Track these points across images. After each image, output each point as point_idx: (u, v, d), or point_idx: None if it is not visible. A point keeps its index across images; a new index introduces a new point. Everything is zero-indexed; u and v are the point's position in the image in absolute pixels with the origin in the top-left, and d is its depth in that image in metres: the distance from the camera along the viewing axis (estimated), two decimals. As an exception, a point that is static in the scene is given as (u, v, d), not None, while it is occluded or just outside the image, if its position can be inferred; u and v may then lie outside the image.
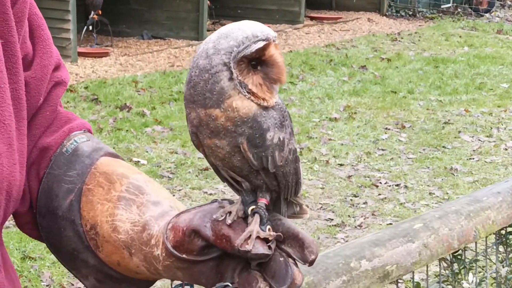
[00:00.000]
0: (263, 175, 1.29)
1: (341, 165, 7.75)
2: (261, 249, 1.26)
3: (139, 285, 1.49)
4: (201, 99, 1.26)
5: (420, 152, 8.22)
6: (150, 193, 1.44)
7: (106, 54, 12.72)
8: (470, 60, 12.79)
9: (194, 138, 1.31)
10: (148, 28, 14.65)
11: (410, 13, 18.63)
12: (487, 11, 19.13)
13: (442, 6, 19.15)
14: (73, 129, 1.50)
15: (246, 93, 1.25)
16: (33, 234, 1.52)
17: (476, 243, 2.08)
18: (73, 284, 5.05)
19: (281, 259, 1.28)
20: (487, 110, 9.92)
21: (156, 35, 14.56)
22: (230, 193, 6.82)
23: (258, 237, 1.26)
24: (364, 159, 7.94)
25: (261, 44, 1.25)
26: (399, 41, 14.74)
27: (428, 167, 7.73)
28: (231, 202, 1.35)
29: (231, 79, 1.25)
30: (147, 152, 7.75)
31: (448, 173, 7.54)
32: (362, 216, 6.41)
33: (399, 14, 18.59)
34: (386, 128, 9.05)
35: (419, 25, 16.95)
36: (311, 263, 1.29)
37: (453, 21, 17.61)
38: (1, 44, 1.38)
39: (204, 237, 1.31)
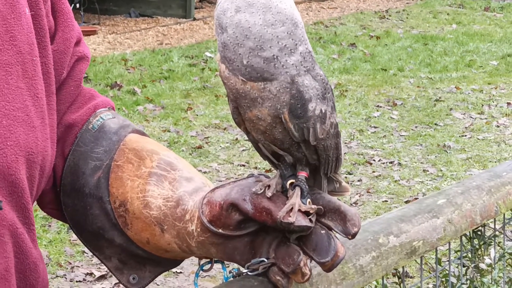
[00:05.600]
0: (304, 148, 1.27)
1: (334, 142, 7.72)
2: (303, 221, 1.25)
3: (165, 265, 1.47)
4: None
5: (412, 129, 8.21)
6: (182, 169, 1.42)
7: (94, 33, 12.63)
8: (459, 38, 12.78)
9: (235, 116, 1.28)
10: (135, 6, 14.54)
11: (397, -10, 18.58)
12: (474, -12, 19.11)
13: (429, -16, 19.12)
14: (99, 106, 1.47)
15: None
16: (55, 214, 1.49)
17: (494, 219, 2.08)
18: (70, 263, 5.02)
19: (323, 232, 1.27)
20: (478, 87, 9.92)
21: (143, 13, 14.46)
22: (224, 171, 6.79)
23: (299, 210, 1.25)
24: (357, 137, 7.93)
25: None
26: (387, 18, 14.71)
27: (421, 145, 7.73)
28: (267, 176, 1.33)
29: None
30: (139, 130, 7.70)
31: (441, 150, 7.54)
32: (357, 194, 6.40)
33: (386, -8, 18.53)
34: (378, 106, 9.04)
35: (407, 3, 16.91)
36: (353, 236, 1.28)
37: (440, -2, 17.59)
38: (31, 17, 1.35)
39: (243, 211, 1.29)
